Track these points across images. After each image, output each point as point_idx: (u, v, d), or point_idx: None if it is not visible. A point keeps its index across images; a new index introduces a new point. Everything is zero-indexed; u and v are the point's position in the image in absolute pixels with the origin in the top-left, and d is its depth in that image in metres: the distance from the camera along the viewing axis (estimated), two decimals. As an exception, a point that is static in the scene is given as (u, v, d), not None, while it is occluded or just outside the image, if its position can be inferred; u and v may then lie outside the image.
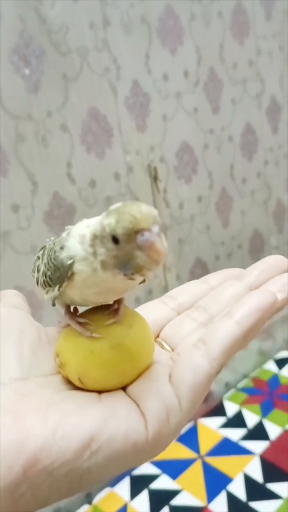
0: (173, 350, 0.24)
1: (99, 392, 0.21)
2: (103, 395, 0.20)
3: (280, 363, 0.99)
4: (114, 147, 0.71)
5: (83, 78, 0.66)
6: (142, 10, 0.71)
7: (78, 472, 0.17)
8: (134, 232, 0.18)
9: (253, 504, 0.69)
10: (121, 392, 0.21)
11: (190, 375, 0.20)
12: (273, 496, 0.70)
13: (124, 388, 0.21)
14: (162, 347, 0.24)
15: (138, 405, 0.20)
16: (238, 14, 0.86)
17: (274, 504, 0.69)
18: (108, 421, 0.18)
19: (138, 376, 0.21)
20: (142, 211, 0.18)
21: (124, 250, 0.18)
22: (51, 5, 0.62)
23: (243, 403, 0.89)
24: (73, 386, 0.21)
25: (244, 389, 0.94)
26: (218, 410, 0.88)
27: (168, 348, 0.24)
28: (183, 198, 0.83)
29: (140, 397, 0.20)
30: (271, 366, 0.99)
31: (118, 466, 0.18)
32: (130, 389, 0.21)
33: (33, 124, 0.62)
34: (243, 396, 0.91)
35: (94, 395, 0.20)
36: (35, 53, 0.61)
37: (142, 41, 0.72)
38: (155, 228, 0.18)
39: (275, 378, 0.95)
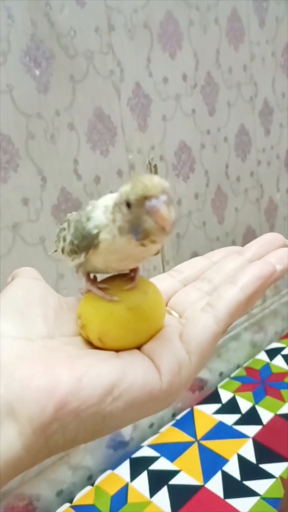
0: (180, 317, 0.26)
1: (117, 351, 0.23)
2: (121, 352, 0.23)
3: (271, 353, 1.04)
4: (118, 145, 0.75)
5: (89, 79, 0.70)
6: (145, 16, 0.75)
7: (101, 414, 0.20)
8: (144, 198, 0.20)
9: (247, 483, 0.74)
10: (136, 350, 0.23)
11: (199, 334, 0.22)
12: (265, 475, 0.74)
13: (139, 348, 0.24)
14: (170, 313, 0.27)
15: (152, 360, 0.22)
16: (233, 21, 0.90)
17: (266, 482, 0.73)
18: (127, 372, 0.21)
19: (151, 337, 0.24)
20: (153, 181, 0.20)
21: (135, 214, 0.21)
22: (60, 10, 0.65)
23: (237, 391, 0.93)
24: (93, 346, 0.24)
25: (237, 378, 0.98)
26: (213, 398, 0.92)
27: (176, 315, 0.27)
28: (181, 195, 0.87)
29: (154, 354, 0.22)
30: (263, 356, 1.03)
31: (136, 412, 0.21)
32: (144, 347, 0.23)
33: (43, 122, 0.65)
34: (237, 384, 0.95)
35: (113, 352, 0.23)
36: (45, 55, 0.65)
37: (144, 45, 0.76)
38: (163, 197, 0.20)
39: (267, 367, 0.99)
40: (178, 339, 0.23)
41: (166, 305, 0.28)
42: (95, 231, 0.23)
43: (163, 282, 0.28)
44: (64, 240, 0.26)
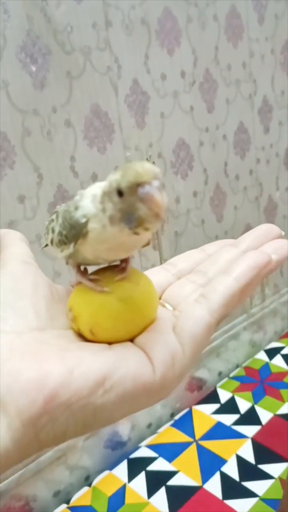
0: (174, 310, 0.26)
1: (109, 343, 0.23)
2: (113, 345, 0.22)
3: (271, 353, 1.03)
4: (115, 142, 0.74)
5: (86, 76, 0.69)
6: (142, 12, 0.74)
7: (93, 407, 0.19)
8: (136, 185, 0.19)
9: (246, 484, 0.73)
10: (129, 343, 0.23)
11: (193, 325, 0.22)
12: (264, 476, 0.74)
13: (131, 341, 0.23)
14: (164, 306, 0.26)
15: (145, 352, 0.21)
16: (232, 17, 0.89)
17: (265, 483, 0.73)
18: (120, 363, 0.20)
19: (144, 329, 0.23)
20: (145, 167, 0.20)
21: (128, 202, 0.20)
22: (56, 5, 0.65)
23: (236, 391, 0.92)
24: (84, 339, 0.23)
25: (236, 378, 0.97)
26: (212, 398, 0.92)
27: (170, 307, 0.26)
28: (179, 193, 0.86)
29: (147, 346, 0.22)
30: (262, 356, 1.03)
31: (129, 405, 0.20)
32: (137, 340, 0.23)
33: (39, 119, 0.65)
34: (236, 384, 0.95)
35: (105, 345, 0.22)
36: (41, 51, 0.64)
37: (142, 41, 0.75)
38: (156, 183, 0.19)
39: (266, 367, 0.98)
40: (171, 331, 0.23)
41: (160, 298, 0.27)
42: (83, 220, 0.22)
43: (157, 275, 0.28)
44: (53, 231, 0.25)
